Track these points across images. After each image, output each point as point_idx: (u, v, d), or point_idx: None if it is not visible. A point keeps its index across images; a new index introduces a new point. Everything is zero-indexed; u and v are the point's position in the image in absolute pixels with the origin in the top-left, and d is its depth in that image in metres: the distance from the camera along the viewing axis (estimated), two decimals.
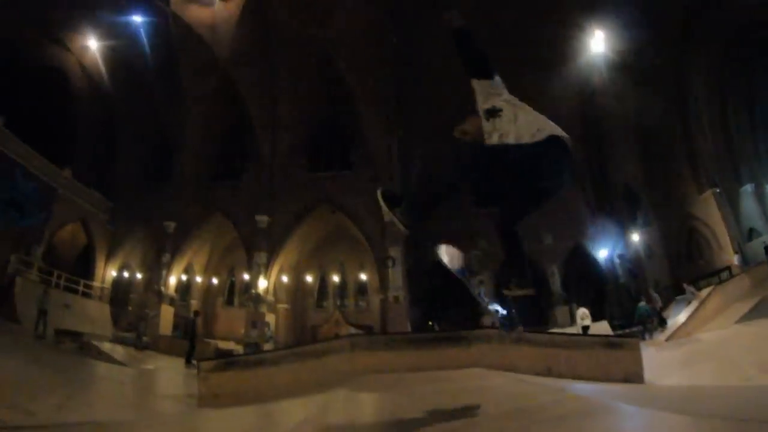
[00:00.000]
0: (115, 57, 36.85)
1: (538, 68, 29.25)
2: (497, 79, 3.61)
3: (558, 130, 3.63)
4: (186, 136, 35.95)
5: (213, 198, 34.75)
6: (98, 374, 14.28)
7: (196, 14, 32.33)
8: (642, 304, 22.77)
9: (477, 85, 3.59)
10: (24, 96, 34.91)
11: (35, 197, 32.59)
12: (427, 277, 29.96)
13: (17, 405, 7.28)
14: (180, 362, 21.85)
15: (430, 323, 30.18)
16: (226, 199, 34.26)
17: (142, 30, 33.91)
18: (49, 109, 38.17)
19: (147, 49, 34.49)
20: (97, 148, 41.69)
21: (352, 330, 25.80)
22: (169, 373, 18.12)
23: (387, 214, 4.44)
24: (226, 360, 12.73)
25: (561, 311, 30.45)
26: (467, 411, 5.44)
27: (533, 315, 28.24)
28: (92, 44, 36.03)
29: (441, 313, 31.25)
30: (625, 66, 29.31)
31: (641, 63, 28.82)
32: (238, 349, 26.65)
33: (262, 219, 31.40)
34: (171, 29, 32.84)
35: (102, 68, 37.80)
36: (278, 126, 32.38)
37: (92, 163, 40.60)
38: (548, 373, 10.49)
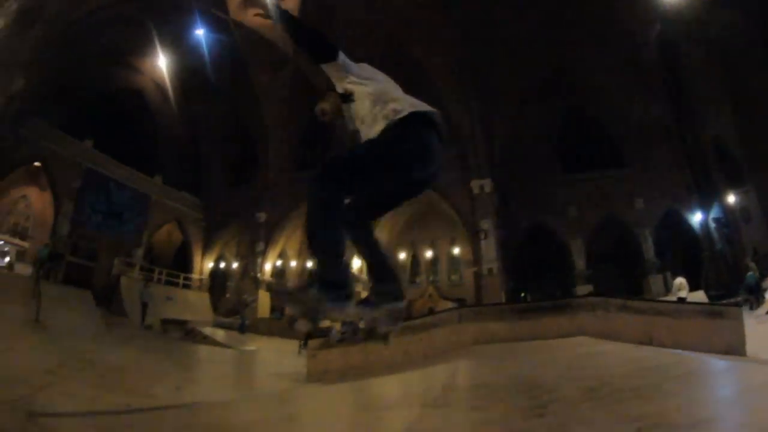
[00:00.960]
0: (185, 69, 38.49)
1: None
2: (342, 58, 3.12)
3: (425, 107, 3.03)
4: (267, 131, 37.04)
5: (301, 187, 34.73)
6: (206, 357, 14.79)
7: (253, 17, 32.61)
8: (750, 273, 21.31)
9: (326, 68, 3.14)
10: (108, 118, 38.09)
11: (131, 205, 36.40)
12: (518, 248, 29.17)
13: (139, 389, 7.59)
14: (279, 342, 22.83)
15: (523, 294, 29.30)
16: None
17: (205, 39, 34.83)
18: (133, 126, 41.29)
19: (214, 55, 35.51)
20: (183, 153, 44.48)
21: (450, 304, 25.50)
22: (272, 353, 18.55)
23: None
24: (335, 337, 12.75)
25: (655, 280, 27.88)
26: (594, 373, 5.18)
27: (627, 284, 26.89)
28: (161, 62, 38.09)
29: (534, 284, 30.32)
30: None
31: None
32: (336, 326, 26.97)
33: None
34: (234, 34, 33.54)
35: (174, 82, 40.23)
36: None
37: (181, 168, 43.26)
38: (650, 341, 9.87)
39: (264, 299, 34.32)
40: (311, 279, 2.61)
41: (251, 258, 36.96)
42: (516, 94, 28.62)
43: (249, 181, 39.22)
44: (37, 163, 30.79)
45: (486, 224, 26.07)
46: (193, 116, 42.62)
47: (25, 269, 24.07)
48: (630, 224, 28.86)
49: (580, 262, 28.46)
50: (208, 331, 20.26)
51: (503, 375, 5.85)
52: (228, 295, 39.58)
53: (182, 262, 41.10)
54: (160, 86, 41.33)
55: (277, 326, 29.52)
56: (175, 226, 40.86)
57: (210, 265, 41.92)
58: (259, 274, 35.26)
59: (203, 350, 16.69)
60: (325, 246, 2.65)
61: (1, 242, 17.02)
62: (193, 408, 6.12)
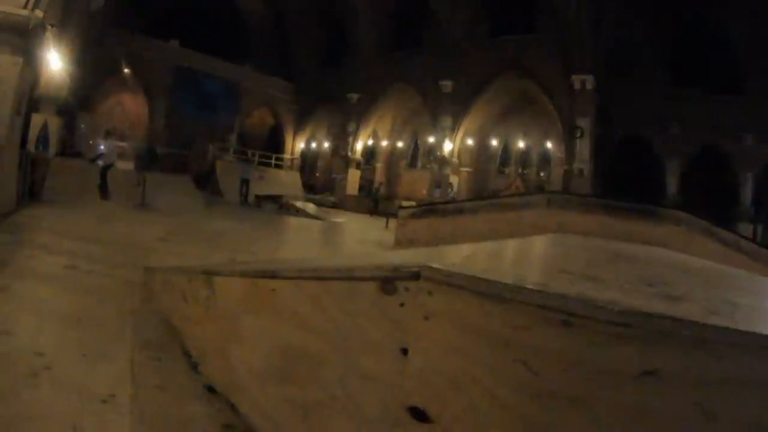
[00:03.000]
0: None
1: None
2: None
3: None
4: (356, 11, 36.00)
5: (394, 67, 34.70)
6: (298, 226, 15.73)
7: None
8: None
9: None
10: (192, 15, 40.43)
11: (223, 94, 38.93)
12: (612, 155, 27.60)
13: (243, 249, 8.32)
14: (365, 218, 24.60)
15: None
16: (408, 67, 33.86)
17: None
18: (218, 19, 43.28)
19: None
20: (271, 40, 45.37)
21: None
22: (358, 225, 19.37)
23: None
24: (425, 207, 13.08)
25: (744, 229, 24.90)
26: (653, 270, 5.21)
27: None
28: None
29: (621, 193, 28.55)
30: None
31: None
32: None
33: (446, 84, 30.78)
34: None
35: None
36: None
37: (270, 55, 44.79)
38: None
39: (353, 177, 35.79)
40: None
41: (342, 138, 38.08)
42: None
43: (340, 63, 39.13)
44: (126, 70, 32.63)
45: (583, 122, 25.05)
46: (277, 2, 42.57)
47: (127, 165, 25.64)
48: (733, 160, 25.59)
49: (672, 186, 26.73)
50: (299, 204, 21.21)
51: (589, 244, 5.99)
52: (318, 174, 41.43)
53: (274, 144, 43.48)
54: None
55: (364, 203, 30.60)
56: (267, 110, 42.42)
57: (301, 145, 44.00)
58: (349, 153, 36.15)
59: (296, 220, 17.76)
60: None
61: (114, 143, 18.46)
62: (288, 261, 6.64)
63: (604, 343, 1.13)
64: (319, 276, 2.02)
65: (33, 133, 18.71)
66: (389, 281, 1.54)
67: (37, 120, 19.40)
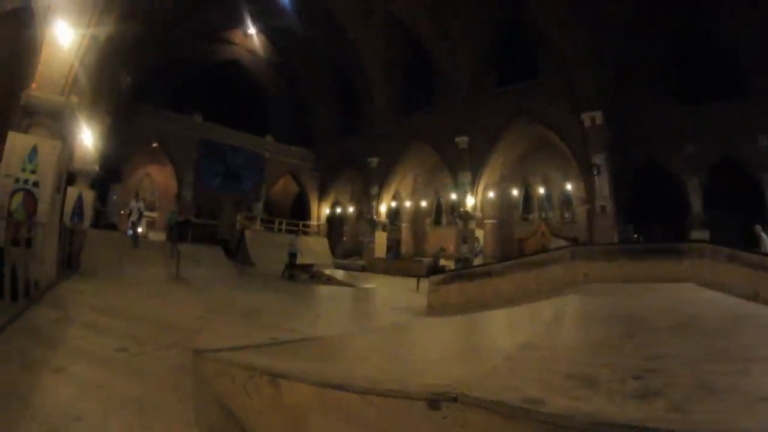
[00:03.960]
0: (276, 32, 41.05)
1: None
2: None
3: None
4: (368, 77, 37.09)
5: (410, 128, 35.27)
6: (331, 295, 15.82)
7: None
8: None
9: None
10: (213, 91, 43.46)
11: (247, 165, 40.28)
12: (632, 186, 26.71)
13: (281, 326, 8.56)
14: (396, 280, 24.19)
15: (636, 235, 27.43)
16: (423, 127, 34.39)
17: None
18: (238, 93, 46.36)
19: (302, 12, 36.66)
20: (289, 111, 48.03)
21: (561, 242, 25.15)
22: (390, 290, 19.33)
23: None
24: (454, 273, 13.23)
25: None
26: (686, 312, 5.38)
27: (747, 233, 21.80)
28: (251, 31, 41.02)
29: (647, 225, 28.15)
30: None
31: None
32: (449, 264, 27.44)
33: (462, 140, 31.14)
34: None
35: (268, 46, 43.88)
36: (457, 46, 30.47)
37: (290, 125, 47.46)
38: (755, 297, 9.46)
39: (380, 240, 35.98)
40: None
41: (366, 201, 38.67)
42: (626, 13, 25.13)
43: (357, 128, 40.49)
44: (154, 144, 34.81)
45: (598, 159, 24.92)
46: (293, 75, 45.37)
47: (157, 236, 26.46)
48: (750, 165, 24.34)
49: (696, 205, 25.36)
50: (329, 272, 21.45)
51: (605, 308, 6.16)
52: (345, 238, 42.14)
53: (300, 210, 45.07)
54: (254, 53, 44.68)
55: (394, 266, 30.75)
56: (290, 178, 44.05)
57: (326, 211, 44.76)
58: (374, 216, 36.54)
59: (327, 290, 17.84)
60: None
61: (140, 204, 19.88)
62: (327, 339, 6.90)
63: None
64: (380, 392, 2.42)
65: (68, 205, 19.43)
66: (435, 402, 2.06)
67: (72, 193, 20.17)
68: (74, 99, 12.20)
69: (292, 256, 23.04)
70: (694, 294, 7.25)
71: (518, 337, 4.52)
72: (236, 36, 42.75)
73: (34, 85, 11.57)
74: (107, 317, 8.35)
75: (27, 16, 12.90)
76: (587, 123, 25.21)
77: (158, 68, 35.32)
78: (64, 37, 11.30)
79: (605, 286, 9.97)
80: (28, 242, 9.20)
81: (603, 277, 10.88)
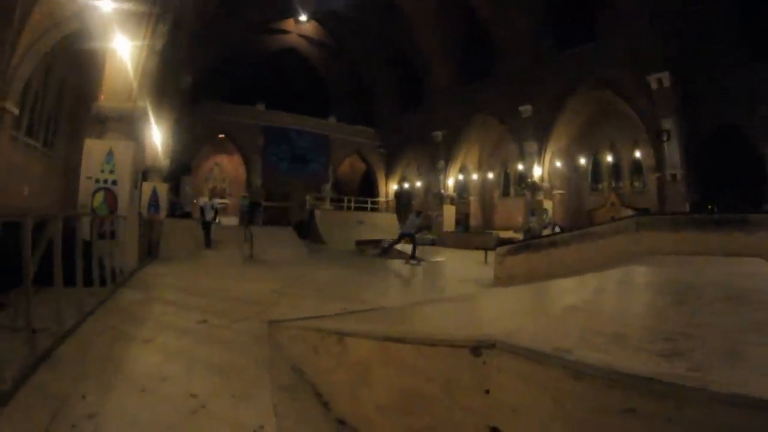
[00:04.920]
0: (328, 15, 41.15)
1: None
2: None
3: None
4: (425, 51, 37.18)
5: (472, 100, 35.20)
6: (401, 270, 15.99)
7: None
8: None
9: None
10: (274, 79, 45.18)
11: (313, 147, 41.67)
12: (704, 152, 24.63)
13: (353, 298, 8.91)
14: (464, 253, 24.14)
15: (709, 206, 25.49)
16: (485, 98, 34.10)
17: None
18: (298, 79, 47.73)
19: None
20: (350, 91, 49.13)
21: (630, 212, 24.44)
22: (459, 263, 19.42)
23: None
24: (520, 244, 13.25)
25: None
26: (741, 286, 5.32)
27: None
28: (303, 18, 41.74)
29: (721, 194, 26.10)
30: None
31: None
32: (518, 236, 27.38)
33: (525, 108, 30.72)
34: None
35: (321, 30, 44.71)
36: (513, 12, 30.06)
37: (351, 104, 48.44)
38: None
39: (448, 213, 36.29)
40: None
41: (433, 175, 38.82)
42: None
43: (419, 103, 40.54)
44: (220, 135, 36.27)
45: (668, 124, 23.79)
46: (350, 56, 45.82)
47: (229, 221, 27.52)
48: None
49: None
50: (399, 247, 21.68)
51: (660, 279, 6.16)
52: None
53: (368, 188, 46.09)
54: (309, 39, 45.82)
55: (462, 239, 30.82)
56: (357, 157, 44.47)
57: (394, 187, 45.27)
58: (442, 190, 36.70)
59: (396, 263, 18.10)
60: None
61: (213, 202, 20.63)
62: (395, 308, 7.20)
63: (599, 388, 1.76)
64: (432, 342, 2.72)
65: (145, 199, 20.57)
66: (476, 349, 2.30)
67: (147, 187, 21.33)
68: (141, 103, 13.33)
69: (406, 237, 20.98)
70: (759, 269, 7.04)
71: (566, 301, 4.71)
72: (289, 24, 43.55)
73: (102, 96, 12.75)
74: (187, 296, 8.97)
75: (87, 35, 14.02)
76: (654, 85, 23.81)
77: (218, 64, 37.14)
78: (124, 50, 12.44)
79: (668, 258, 9.78)
80: (112, 234, 10.11)
81: (668, 248, 10.67)
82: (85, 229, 7.36)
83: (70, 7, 15.83)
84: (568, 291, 5.98)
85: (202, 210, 19.28)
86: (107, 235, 9.50)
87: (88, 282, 6.80)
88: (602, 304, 4.14)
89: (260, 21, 39.18)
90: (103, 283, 8.01)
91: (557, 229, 23.65)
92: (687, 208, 22.75)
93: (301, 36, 45.56)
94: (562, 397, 1.86)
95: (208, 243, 18.41)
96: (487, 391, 2.22)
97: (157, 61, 14.56)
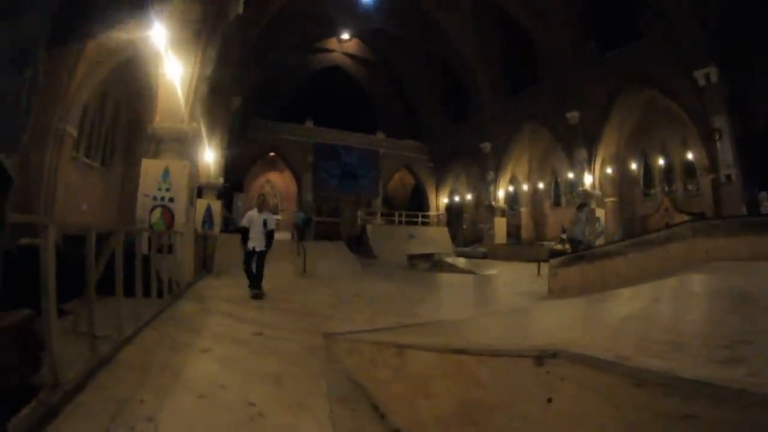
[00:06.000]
0: (370, 33, 41.75)
1: None
2: None
3: None
4: (468, 65, 37.04)
5: (518, 109, 34.97)
6: (453, 282, 16.00)
7: None
8: None
9: None
10: (320, 97, 46.08)
11: (362, 163, 42.17)
12: (760, 148, 23.07)
13: (406, 312, 8.93)
14: (517, 266, 23.69)
15: None
16: (531, 106, 33.85)
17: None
18: (345, 96, 48.39)
19: (392, 11, 37.42)
20: (396, 106, 49.83)
21: (684, 217, 23.66)
22: (511, 276, 19.20)
23: None
24: (573, 255, 13.04)
25: None
26: None
27: None
28: (345, 37, 43.14)
29: None
30: None
31: None
32: (563, 247, 27.06)
33: (572, 115, 30.04)
34: None
35: (364, 47, 45.45)
36: (552, 17, 29.76)
37: (399, 119, 49.21)
38: None
39: (500, 225, 35.80)
40: None
41: (483, 187, 38.76)
42: None
43: (466, 116, 40.55)
44: (271, 153, 37.21)
45: (719, 121, 22.60)
46: (394, 72, 46.77)
47: (283, 236, 28.14)
48: None
49: None
50: (450, 260, 21.58)
51: (718, 286, 6.01)
52: (465, 226, 42.46)
53: (418, 202, 46.44)
54: (353, 56, 46.75)
55: (515, 251, 30.54)
56: (406, 171, 44.79)
57: (444, 200, 45.42)
58: (492, 202, 36.38)
59: (449, 277, 18.03)
60: None
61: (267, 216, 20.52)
62: (449, 321, 7.18)
63: (660, 394, 1.75)
64: (494, 353, 2.76)
65: (199, 215, 21.09)
66: (539, 359, 2.30)
67: (201, 204, 21.86)
68: (194, 124, 14.00)
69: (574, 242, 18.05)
70: None
71: (624, 310, 4.65)
72: (332, 43, 44.64)
73: (157, 118, 13.37)
74: (242, 308, 9.05)
75: (140, 61, 14.71)
76: (701, 81, 22.76)
77: (266, 84, 38.16)
78: (176, 75, 12.90)
79: (726, 264, 9.51)
80: (169, 249, 10.38)
81: (726, 254, 10.39)
82: (143, 243, 7.59)
83: (123, 35, 16.49)
84: (624, 302, 5.89)
85: (245, 232, 10.85)
86: (165, 249, 9.72)
87: (146, 293, 6.99)
88: (659, 313, 4.11)
89: (304, 41, 39.95)
90: (160, 294, 8.22)
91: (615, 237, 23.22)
92: (744, 209, 21.57)
93: (345, 54, 46.52)
94: (624, 404, 1.87)
95: (255, 285, 10.66)
96: (550, 400, 2.20)
97: (208, 83, 15.11)
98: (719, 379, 1.71)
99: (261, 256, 10.73)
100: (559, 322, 4.85)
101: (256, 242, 10.70)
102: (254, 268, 10.65)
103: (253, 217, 10.83)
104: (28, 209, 16.15)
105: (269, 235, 10.89)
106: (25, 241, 6.18)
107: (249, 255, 10.71)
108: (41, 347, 3.43)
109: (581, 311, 5.69)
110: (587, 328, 3.77)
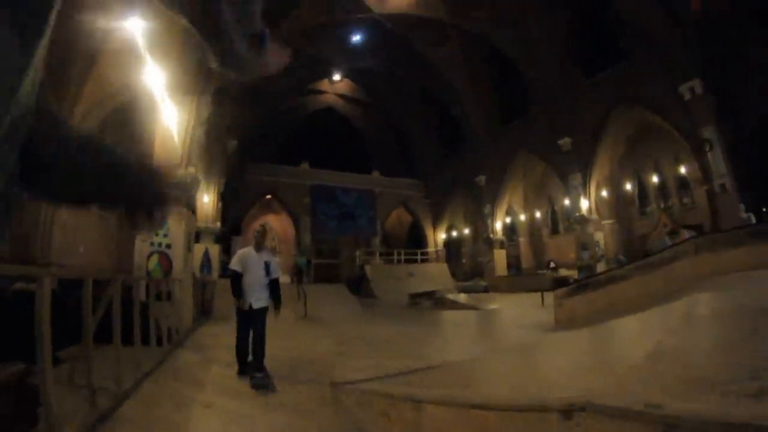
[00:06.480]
0: (360, 72, 41.99)
1: None
2: None
3: None
4: (460, 99, 37.37)
5: (510, 140, 35.22)
6: (457, 320, 15.87)
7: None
8: None
9: None
10: (314, 139, 46.11)
11: (359, 203, 42.06)
12: (751, 153, 22.76)
13: (414, 354, 8.79)
14: (520, 297, 23.51)
15: (766, 210, 24.21)
16: (523, 136, 34.08)
17: (364, 41, 36.89)
18: (338, 136, 48.60)
19: (380, 49, 37.14)
20: (390, 145, 50.19)
21: (685, 232, 23.60)
22: (515, 308, 19.10)
23: None
24: (578, 284, 12.91)
25: None
26: None
27: None
28: (336, 78, 43.30)
29: None
30: None
31: None
32: (573, 274, 26.87)
33: (565, 141, 30.28)
34: (384, 24, 34.32)
35: (355, 87, 45.47)
36: (538, 46, 30.04)
37: (393, 158, 49.24)
38: None
39: (499, 258, 35.71)
40: None
41: (480, 221, 38.77)
42: None
43: (459, 150, 40.69)
44: (268, 196, 37.35)
45: (708, 132, 22.34)
46: (386, 110, 46.97)
47: (282, 278, 28.03)
48: None
49: None
50: (452, 296, 21.44)
51: (729, 305, 5.94)
52: (464, 260, 42.33)
53: (416, 239, 46.26)
54: (344, 96, 47.08)
55: (516, 282, 30.36)
56: (403, 209, 44.82)
57: (442, 236, 45.12)
58: (491, 235, 36.34)
59: (452, 314, 17.91)
60: None
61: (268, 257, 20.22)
62: (459, 363, 7.00)
63: None
64: (519, 408, 2.68)
65: (197, 260, 20.96)
66: (568, 412, 2.25)
67: (199, 249, 21.74)
68: (191, 169, 14.03)
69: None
70: None
71: (641, 346, 4.53)
72: (324, 85, 44.84)
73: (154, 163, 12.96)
74: None
75: (136, 106, 14.80)
76: (687, 95, 23.11)
77: (260, 128, 38.23)
78: (172, 120, 13.14)
79: (733, 277, 9.48)
80: (168, 295, 10.30)
81: (730, 266, 10.36)
82: (141, 290, 7.46)
83: (119, 80, 16.58)
84: (637, 334, 5.79)
85: (236, 279, 7.28)
86: (163, 296, 9.62)
87: (145, 341, 6.87)
88: (676, 346, 4.06)
89: (296, 84, 40.13)
90: (159, 342, 8.08)
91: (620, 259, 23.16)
92: (742, 217, 21.55)
93: (337, 95, 46.88)
94: None
95: (255, 366, 6.95)
96: None
97: (204, 128, 15.13)
98: (753, 416, 1.72)
99: (262, 316, 7.24)
100: (576, 362, 4.71)
101: (254, 296, 7.18)
102: (252, 338, 7.13)
103: (249, 258, 7.31)
104: (25, 252, 16.05)
105: (274, 286, 7.43)
106: (19, 285, 6.09)
107: (244, 318, 7.22)
108: (37, 402, 3.29)
109: (594, 347, 5.58)
110: (607, 370, 3.64)
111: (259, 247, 7.48)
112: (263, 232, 8.29)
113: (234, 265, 7.26)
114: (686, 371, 2.72)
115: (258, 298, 7.18)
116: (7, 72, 0.69)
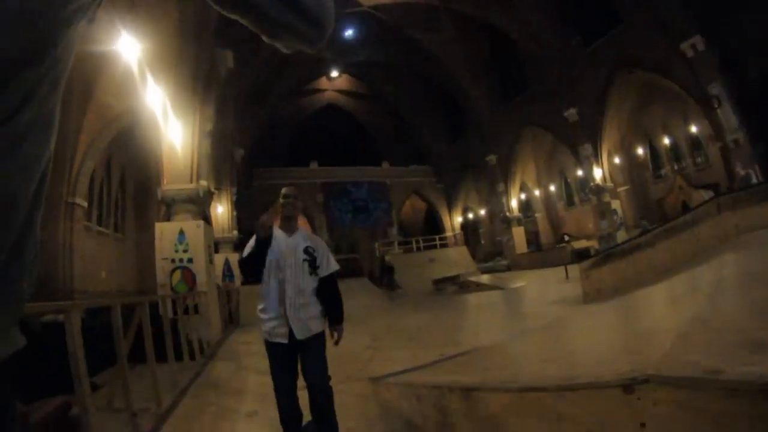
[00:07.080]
0: (360, 66, 42.37)
1: None
2: None
3: None
4: (459, 81, 37.15)
5: (515, 117, 35.08)
6: (484, 302, 15.77)
7: None
8: None
9: None
10: (320, 136, 47.57)
11: (372, 195, 42.57)
12: (762, 105, 21.40)
13: (448, 342, 8.70)
14: (542, 272, 23.48)
15: None
16: (528, 111, 33.88)
17: (359, 34, 37.12)
18: (345, 131, 50.04)
19: (377, 41, 37.22)
20: (397, 133, 50.15)
21: (703, 192, 23.30)
22: (538, 284, 19.00)
23: None
24: (602, 254, 12.73)
25: None
26: None
27: None
28: (334, 74, 43.92)
29: None
30: None
31: None
32: (593, 245, 26.71)
33: (571, 112, 29.84)
34: (376, 16, 34.20)
35: (355, 81, 46.19)
36: (531, 19, 29.45)
37: (402, 146, 49.59)
38: None
39: (518, 235, 35.72)
40: None
41: (495, 200, 38.68)
42: None
43: (466, 132, 40.88)
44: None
45: (715, 88, 21.87)
46: (388, 100, 46.99)
47: None
48: None
49: None
50: (475, 278, 21.36)
51: (762, 263, 5.86)
52: (483, 242, 42.26)
53: (433, 225, 46.63)
54: (345, 91, 47.64)
55: (537, 258, 30.23)
56: (416, 197, 44.84)
57: (459, 219, 45.49)
58: (507, 213, 36.27)
59: (478, 297, 17.84)
60: None
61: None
62: (497, 346, 6.93)
63: (757, 402, 1.71)
64: (575, 387, 2.59)
65: (218, 270, 21.07)
66: (629, 386, 2.20)
67: (218, 259, 21.87)
68: (202, 182, 13.94)
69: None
70: None
71: (682, 313, 4.46)
72: (323, 83, 45.29)
73: (165, 180, 13.55)
74: None
75: (140, 127, 14.96)
76: (689, 53, 22.51)
77: (266, 132, 39.01)
78: (177, 136, 13.18)
79: (759, 234, 9.37)
80: (195, 308, 10.44)
81: (756, 223, 10.25)
82: (169, 307, 7.50)
83: (120, 105, 16.72)
84: (672, 302, 5.71)
85: (252, 267, 3.97)
86: (191, 310, 9.64)
87: (178, 357, 6.85)
88: (720, 310, 4.01)
89: (296, 85, 40.24)
90: (192, 356, 8.09)
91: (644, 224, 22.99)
92: (758, 171, 20.97)
93: (337, 91, 47.30)
94: (721, 417, 1.83)
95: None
96: (643, 425, 2.11)
97: (210, 140, 15.20)
98: None
99: (316, 353, 3.97)
100: (618, 334, 4.65)
101: (292, 315, 3.78)
102: (309, 396, 3.98)
103: (274, 244, 3.97)
104: (48, 283, 16.24)
105: (329, 291, 4.10)
106: (48, 317, 6.09)
107: (275, 352, 3.92)
108: None
109: (631, 318, 5.50)
110: (654, 340, 3.58)
111: (289, 224, 4.18)
112: (294, 198, 4.23)
113: (246, 249, 4.02)
114: (735, 336, 2.70)
115: (299, 321, 3.78)
116: None
